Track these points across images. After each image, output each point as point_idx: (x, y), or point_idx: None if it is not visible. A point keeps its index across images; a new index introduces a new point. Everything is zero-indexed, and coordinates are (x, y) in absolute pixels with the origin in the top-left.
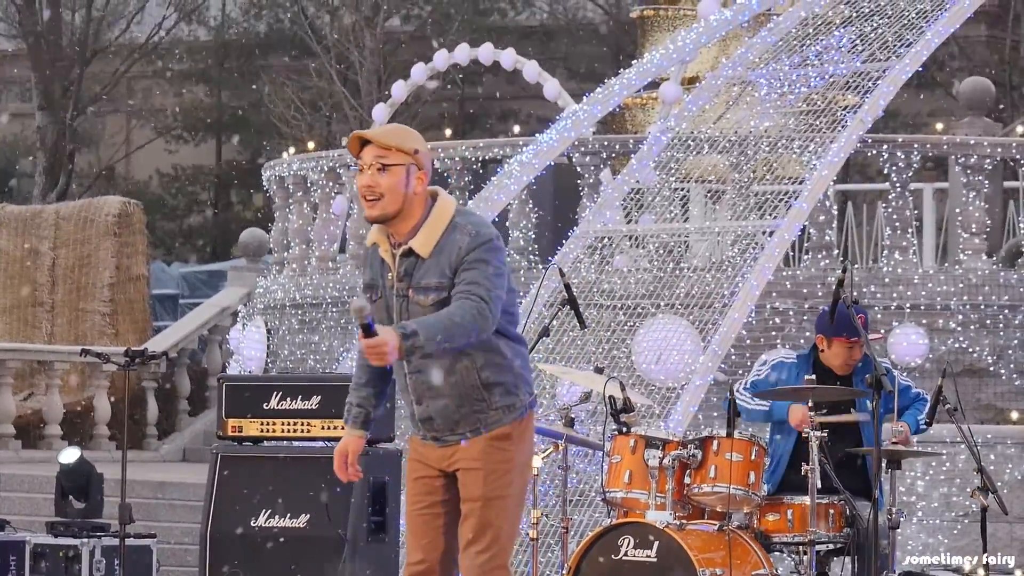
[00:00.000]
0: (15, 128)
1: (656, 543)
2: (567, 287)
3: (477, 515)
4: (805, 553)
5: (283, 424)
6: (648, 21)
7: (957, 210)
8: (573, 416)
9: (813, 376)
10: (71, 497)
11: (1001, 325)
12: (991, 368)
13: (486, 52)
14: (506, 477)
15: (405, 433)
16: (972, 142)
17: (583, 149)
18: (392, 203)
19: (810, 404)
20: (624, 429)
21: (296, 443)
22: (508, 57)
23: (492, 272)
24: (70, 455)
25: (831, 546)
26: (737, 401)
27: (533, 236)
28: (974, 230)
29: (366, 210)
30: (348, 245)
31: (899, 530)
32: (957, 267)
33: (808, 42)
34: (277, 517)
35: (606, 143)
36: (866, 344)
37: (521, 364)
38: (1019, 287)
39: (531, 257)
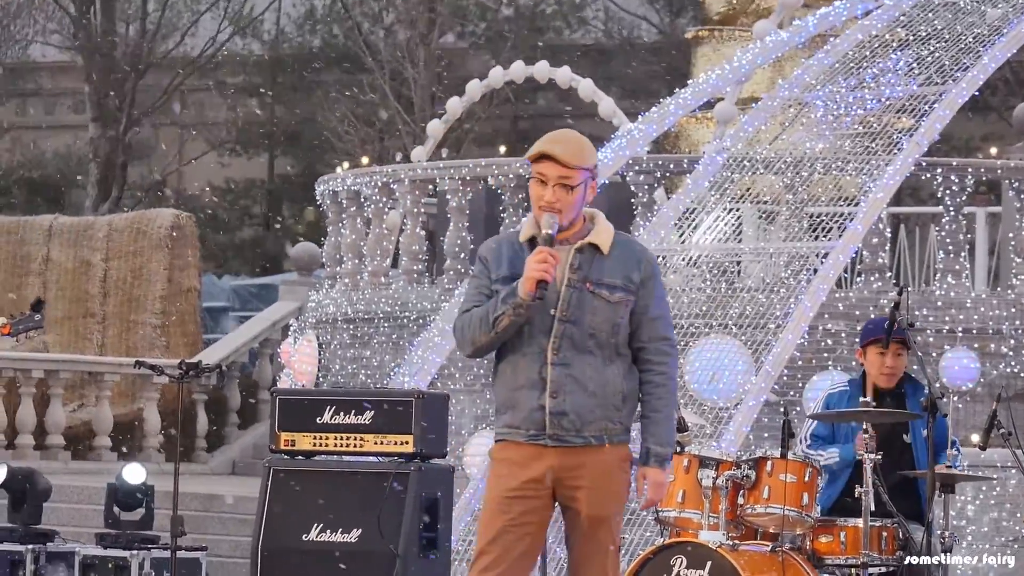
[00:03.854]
0: (68, 140)
1: (709, 563)
2: None
3: (603, 532)
4: (857, 575)
5: (336, 438)
6: (703, 41)
7: (1010, 234)
8: None
9: (869, 399)
10: (120, 509)
11: None
12: None
13: (541, 70)
14: (623, 497)
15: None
16: None
17: (637, 168)
18: (568, 216)
19: (866, 427)
20: (678, 449)
21: (348, 458)
22: (563, 75)
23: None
24: (136, 474)
25: (883, 569)
26: (812, 460)
27: None
28: None
29: (544, 215)
30: (400, 260)
31: (951, 554)
32: (1010, 291)
33: (865, 64)
34: (329, 532)
35: (660, 162)
36: (918, 361)
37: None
38: None
39: None
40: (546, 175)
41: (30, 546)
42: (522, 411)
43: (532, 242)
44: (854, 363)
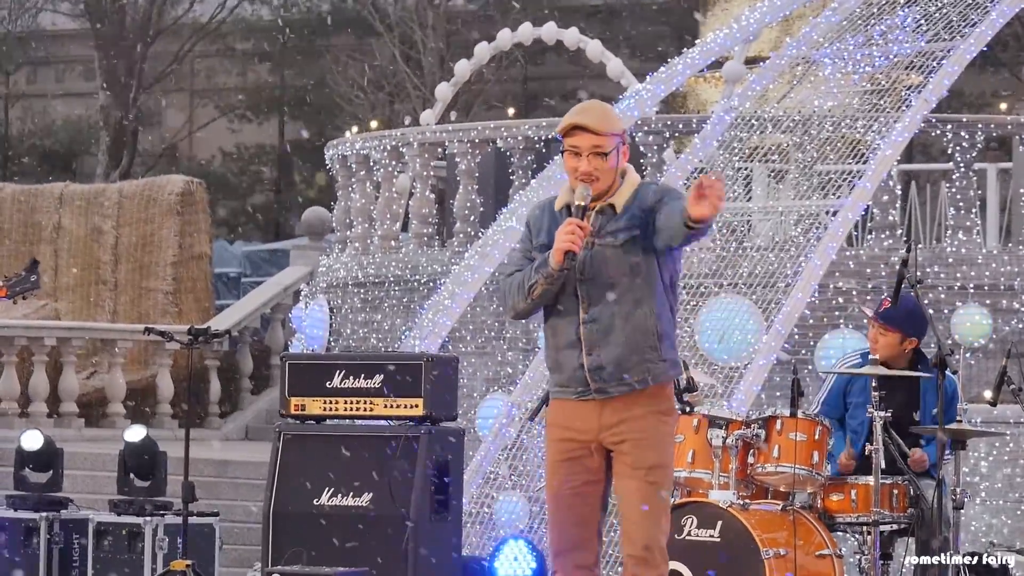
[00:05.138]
0: (79, 108)
1: (719, 523)
2: None
3: (651, 483)
4: (869, 533)
5: (346, 402)
6: (710, 1)
7: (1021, 190)
8: None
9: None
10: (133, 475)
11: None
12: None
13: (549, 31)
14: (670, 448)
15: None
16: None
17: (646, 128)
18: (605, 182)
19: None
20: (687, 409)
21: (359, 422)
22: (571, 36)
23: None
24: (136, 433)
25: (895, 526)
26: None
27: None
28: None
29: (580, 185)
30: (410, 224)
31: (962, 511)
32: (1021, 247)
33: (872, 21)
34: (340, 496)
35: (669, 122)
36: (929, 319)
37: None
38: None
39: None
40: (579, 146)
41: (44, 513)
42: (566, 371)
43: (568, 209)
44: (864, 322)
